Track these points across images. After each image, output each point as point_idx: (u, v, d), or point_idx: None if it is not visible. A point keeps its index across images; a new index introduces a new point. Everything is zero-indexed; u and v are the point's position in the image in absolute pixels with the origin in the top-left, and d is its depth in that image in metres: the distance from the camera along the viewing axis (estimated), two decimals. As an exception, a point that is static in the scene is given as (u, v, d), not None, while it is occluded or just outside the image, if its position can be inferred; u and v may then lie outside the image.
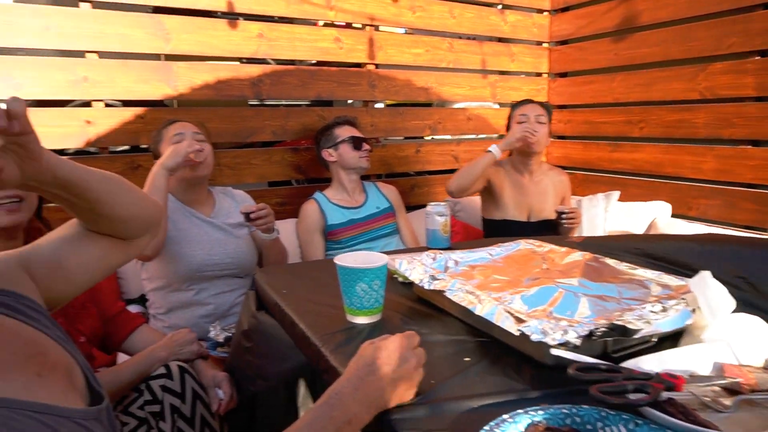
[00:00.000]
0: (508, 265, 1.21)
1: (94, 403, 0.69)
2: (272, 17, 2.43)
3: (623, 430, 0.64)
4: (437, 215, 1.55)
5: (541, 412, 0.67)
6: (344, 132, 2.23)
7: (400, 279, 1.26)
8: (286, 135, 2.50)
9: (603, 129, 2.97)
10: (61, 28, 1.96)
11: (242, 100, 2.42)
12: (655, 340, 0.90)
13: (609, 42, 2.87)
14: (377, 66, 2.69)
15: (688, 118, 2.53)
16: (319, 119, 2.49)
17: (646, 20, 2.67)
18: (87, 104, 2.09)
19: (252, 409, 1.32)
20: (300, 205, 2.23)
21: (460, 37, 2.98)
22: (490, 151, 2.21)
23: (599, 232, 2.58)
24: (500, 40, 3.13)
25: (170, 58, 2.26)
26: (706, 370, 0.79)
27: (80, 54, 2.03)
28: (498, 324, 0.87)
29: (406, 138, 3.08)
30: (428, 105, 3.22)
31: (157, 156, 1.81)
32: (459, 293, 0.98)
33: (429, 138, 3.15)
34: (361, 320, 1.03)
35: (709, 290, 0.89)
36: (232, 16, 2.35)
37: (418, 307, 1.12)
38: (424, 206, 1.66)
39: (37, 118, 1.90)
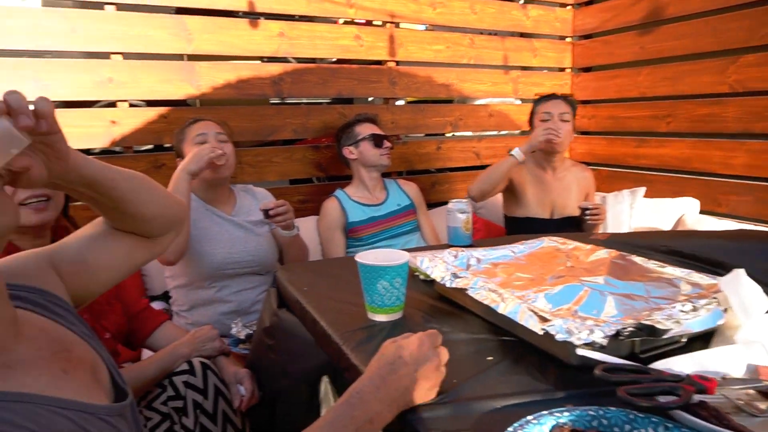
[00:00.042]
0: (532, 262, 1.19)
1: (118, 400, 0.70)
2: (293, 16, 2.44)
3: (652, 434, 0.62)
4: (459, 212, 1.53)
5: (566, 414, 0.65)
6: (365, 129, 2.23)
7: (422, 277, 1.25)
8: (307, 133, 2.51)
9: (628, 124, 2.91)
10: (86, 31, 2.00)
11: (263, 98, 2.43)
12: (685, 340, 0.87)
13: (634, 35, 2.81)
14: (398, 63, 2.68)
15: (717, 112, 2.46)
16: (340, 117, 2.49)
17: (673, 12, 2.60)
18: (112, 105, 2.12)
19: (273, 406, 1.33)
20: (321, 203, 2.23)
21: (482, 33, 2.95)
22: (512, 155, 2.18)
23: (624, 230, 2.53)
24: (522, 35, 3.09)
25: (193, 58, 2.28)
26: (739, 372, 0.76)
27: (105, 55, 2.07)
28: (521, 323, 0.86)
29: (427, 135, 3.07)
30: (449, 102, 3.20)
31: (179, 155, 1.83)
32: (481, 291, 0.97)
33: (450, 135, 3.13)
34: (383, 318, 1.02)
35: (742, 289, 0.86)
36: (253, 16, 2.36)
37: (439, 305, 1.11)
38: (445, 203, 1.65)
39: (64, 118, 1.93)
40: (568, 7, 3.17)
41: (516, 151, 2.18)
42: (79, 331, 0.72)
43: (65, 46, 1.98)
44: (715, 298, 0.87)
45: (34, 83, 1.93)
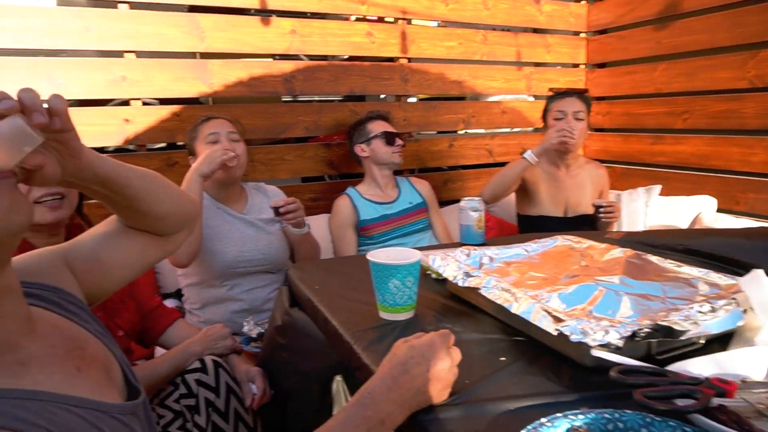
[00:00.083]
0: (545, 261, 1.18)
1: (131, 398, 0.70)
2: (304, 13, 2.44)
3: (670, 438, 0.61)
4: (471, 210, 1.52)
5: (581, 417, 0.64)
6: (377, 127, 2.22)
7: (434, 275, 1.24)
8: (319, 131, 2.50)
9: (644, 121, 2.87)
10: (100, 29, 2.01)
11: (275, 96, 2.44)
12: (703, 342, 0.86)
13: (651, 30, 2.76)
14: (410, 60, 2.67)
15: (736, 108, 2.42)
16: (352, 114, 2.48)
17: (690, 6, 2.56)
18: (125, 103, 2.14)
19: (284, 404, 1.33)
20: (333, 201, 2.23)
21: (494, 29, 2.93)
22: (524, 158, 2.14)
23: (639, 228, 2.50)
24: (535, 30, 3.05)
25: (205, 56, 2.29)
26: (760, 375, 0.74)
27: (119, 54, 2.08)
28: (535, 323, 0.84)
29: (439, 132, 3.05)
30: (462, 99, 3.18)
31: (191, 152, 1.84)
32: (494, 291, 0.96)
33: (462, 132, 3.11)
34: (394, 317, 1.01)
35: (763, 289, 0.84)
36: (265, 14, 2.37)
37: (451, 305, 1.11)
38: (457, 201, 1.64)
39: (78, 117, 1.96)
40: (583, 2, 3.13)
41: (528, 154, 2.14)
42: (93, 329, 0.72)
43: (79, 45, 2.00)
44: (734, 298, 0.86)
45: (49, 82, 1.95)
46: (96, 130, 2.04)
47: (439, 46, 2.72)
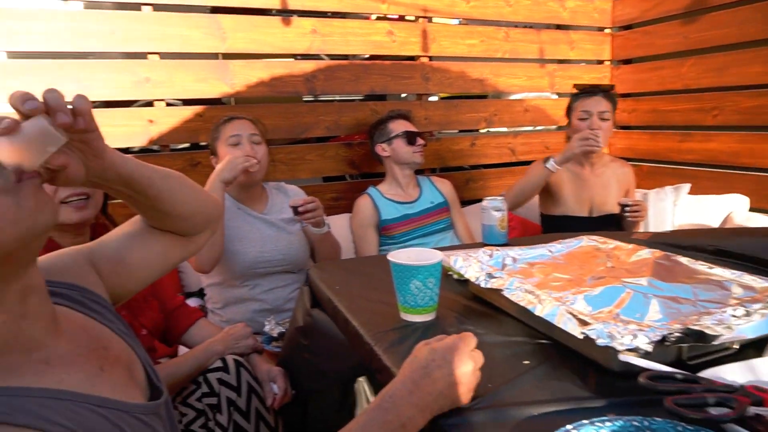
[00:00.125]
0: (570, 262, 1.15)
1: (153, 398, 0.70)
2: (325, 13, 2.44)
3: (703, 448, 0.59)
4: (494, 210, 1.50)
5: (608, 424, 0.62)
6: (398, 126, 2.21)
7: (456, 276, 1.22)
8: (340, 130, 2.51)
9: (671, 118, 2.80)
10: (125, 32, 2.05)
11: (296, 96, 2.45)
12: (737, 347, 0.82)
13: (678, 24, 2.69)
14: (431, 58, 2.65)
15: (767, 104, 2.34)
16: (373, 114, 2.48)
17: (717, 0, 2.49)
18: (149, 104, 2.17)
19: (305, 404, 1.33)
20: (354, 200, 2.23)
21: (516, 26, 2.89)
22: (547, 168, 2.07)
23: (667, 228, 2.44)
24: (559, 27, 3.01)
25: (227, 56, 2.31)
26: (798, 382, 0.71)
27: (142, 56, 2.11)
28: (559, 326, 0.82)
29: (460, 131, 3.03)
30: (483, 97, 3.15)
31: (213, 152, 1.85)
32: (517, 292, 0.94)
33: (484, 131, 3.08)
34: (415, 319, 1.00)
35: (800, 293, 0.81)
36: (285, 14, 2.38)
37: (473, 306, 1.09)
38: (479, 201, 1.62)
39: (103, 118, 2.00)
40: (608, -3, 3.07)
41: (551, 164, 2.07)
42: (117, 329, 0.73)
43: (105, 47, 2.03)
44: (770, 302, 0.82)
45: (76, 84, 1.99)
46: (121, 131, 2.08)
47: (461, 44, 2.70)
